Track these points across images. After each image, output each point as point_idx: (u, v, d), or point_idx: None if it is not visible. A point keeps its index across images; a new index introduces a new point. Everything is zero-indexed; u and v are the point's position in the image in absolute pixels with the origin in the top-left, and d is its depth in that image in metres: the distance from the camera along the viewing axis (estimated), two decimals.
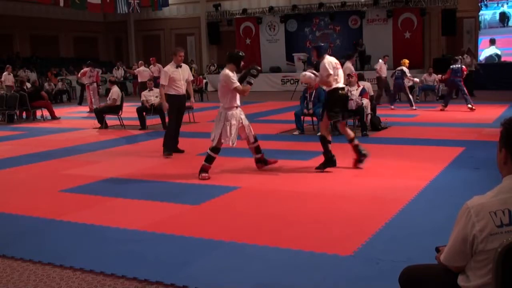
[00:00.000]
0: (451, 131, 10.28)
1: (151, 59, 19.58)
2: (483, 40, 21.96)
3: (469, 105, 13.09)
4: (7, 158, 8.84)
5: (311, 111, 10.38)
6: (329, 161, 6.96)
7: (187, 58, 28.11)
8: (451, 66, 13.49)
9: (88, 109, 16.92)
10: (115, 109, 12.78)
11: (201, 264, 3.89)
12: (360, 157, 7.11)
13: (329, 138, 7.08)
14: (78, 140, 10.81)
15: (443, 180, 6.25)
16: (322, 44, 7.47)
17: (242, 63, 7.02)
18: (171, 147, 8.57)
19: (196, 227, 4.78)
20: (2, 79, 17.47)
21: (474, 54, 21.06)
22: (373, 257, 3.87)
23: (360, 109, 9.89)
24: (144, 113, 12.02)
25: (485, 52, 21.44)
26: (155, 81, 13.89)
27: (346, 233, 4.47)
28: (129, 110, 14.70)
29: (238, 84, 6.74)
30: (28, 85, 16.44)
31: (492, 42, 21.33)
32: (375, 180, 6.37)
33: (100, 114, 12.70)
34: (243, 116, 6.91)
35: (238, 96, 6.80)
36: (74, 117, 15.88)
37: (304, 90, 10.98)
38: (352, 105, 9.95)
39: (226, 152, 8.60)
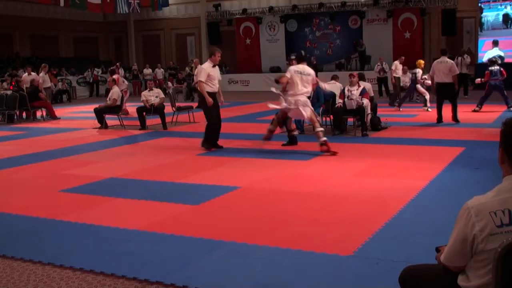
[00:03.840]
0: (451, 131, 10.29)
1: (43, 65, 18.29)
2: (486, 41, 21.91)
3: (511, 106, 12.88)
4: (7, 158, 8.84)
5: None
6: None
7: (187, 58, 28.16)
8: (490, 69, 13.26)
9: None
10: (115, 109, 12.79)
11: (201, 264, 3.88)
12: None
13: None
14: (78, 140, 10.81)
15: (443, 180, 6.25)
16: None
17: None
18: (212, 142, 8.87)
19: (196, 227, 4.78)
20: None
21: (473, 54, 21.05)
22: (373, 257, 3.87)
23: (360, 109, 9.89)
24: (144, 113, 12.03)
25: (488, 53, 21.39)
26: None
27: (346, 233, 4.47)
28: (129, 110, 14.71)
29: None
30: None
31: (495, 43, 21.28)
32: (375, 180, 6.37)
33: (100, 114, 12.70)
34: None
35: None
36: (74, 117, 15.88)
37: None
38: (352, 104, 9.96)
39: (226, 152, 8.61)
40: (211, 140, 8.89)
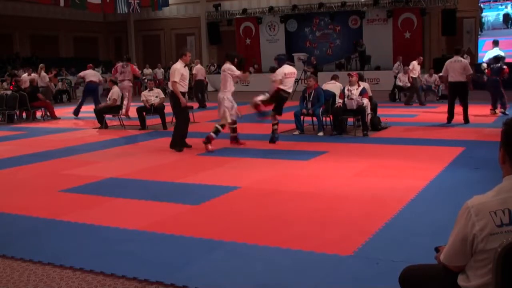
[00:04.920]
0: (451, 131, 10.29)
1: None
2: (486, 41, 21.89)
3: (502, 109, 12.54)
4: (7, 158, 8.83)
5: (310, 111, 10.39)
6: None
7: None
8: (491, 66, 13.12)
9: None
10: (115, 109, 12.79)
11: (201, 264, 3.88)
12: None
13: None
14: (78, 140, 10.81)
15: (443, 180, 6.25)
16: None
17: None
18: (183, 143, 9.12)
19: (196, 227, 4.78)
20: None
21: (473, 54, 21.01)
22: (373, 257, 3.87)
23: (361, 108, 9.88)
24: (144, 113, 12.03)
25: (489, 53, 21.33)
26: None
27: (346, 233, 4.47)
28: (129, 110, 14.69)
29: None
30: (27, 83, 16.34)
31: (496, 43, 21.26)
32: (375, 180, 6.37)
33: (100, 114, 12.70)
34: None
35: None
36: (74, 117, 15.85)
37: (303, 90, 11.02)
38: (352, 104, 9.95)
39: (226, 152, 8.61)
40: (181, 141, 9.08)
